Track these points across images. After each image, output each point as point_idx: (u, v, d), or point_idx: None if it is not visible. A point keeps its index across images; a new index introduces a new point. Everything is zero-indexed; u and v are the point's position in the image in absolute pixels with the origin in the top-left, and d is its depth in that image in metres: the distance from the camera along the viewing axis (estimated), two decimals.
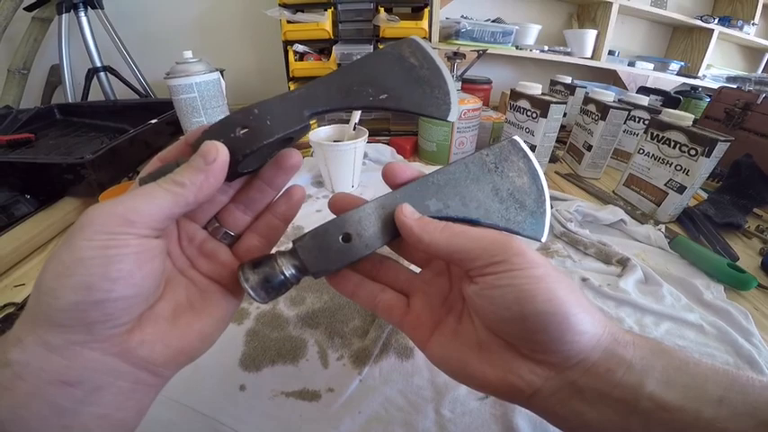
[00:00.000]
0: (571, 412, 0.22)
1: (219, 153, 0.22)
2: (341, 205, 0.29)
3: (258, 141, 0.24)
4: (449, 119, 0.26)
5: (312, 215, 0.67)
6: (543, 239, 0.28)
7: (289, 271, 0.25)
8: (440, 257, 0.26)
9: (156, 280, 0.21)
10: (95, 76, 1.21)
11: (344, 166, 0.71)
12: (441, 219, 0.26)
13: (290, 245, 0.26)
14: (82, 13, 1.12)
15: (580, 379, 0.21)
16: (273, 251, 0.27)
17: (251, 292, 0.24)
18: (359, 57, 0.26)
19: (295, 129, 0.25)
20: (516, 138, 0.29)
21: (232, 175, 0.24)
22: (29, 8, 1.15)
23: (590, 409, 0.21)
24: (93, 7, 1.14)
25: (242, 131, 0.24)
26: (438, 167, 0.27)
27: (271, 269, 0.25)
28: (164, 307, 0.23)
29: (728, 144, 0.58)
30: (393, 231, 0.26)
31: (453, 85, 0.26)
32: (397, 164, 0.28)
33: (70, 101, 1.20)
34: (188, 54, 0.64)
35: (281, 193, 0.30)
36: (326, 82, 0.26)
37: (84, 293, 0.18)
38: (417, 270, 0.31)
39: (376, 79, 0.26)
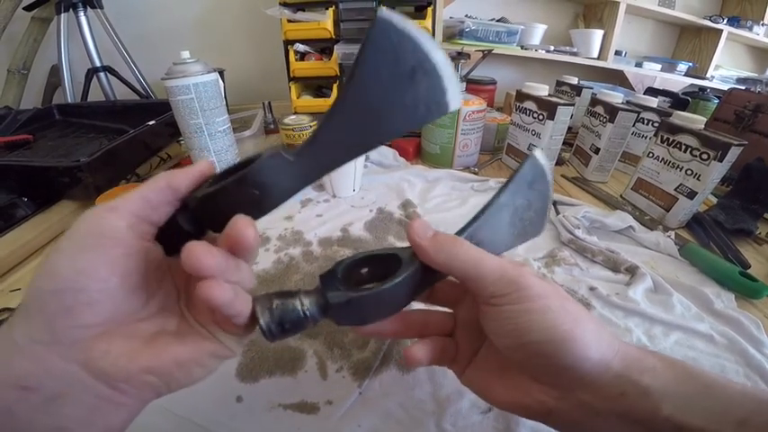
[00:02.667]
0: (590, 429, 0.23)
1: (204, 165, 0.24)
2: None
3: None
4: (451, 109, 0.23)
5: (312, 220, 0.66)
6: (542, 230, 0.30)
7: (310, 310, 0.24)
8: (452, 275, 0.26)
9: (127, 283, 0.21)
10: (95, 77, 1.20)
11: (345, 170, 0.70)
12: None
13: (318, 282, 0.26)
14: (81, 13, 1.11)
15: (592, 400, 0.22)
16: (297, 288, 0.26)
17: (263, 327, 0.23)
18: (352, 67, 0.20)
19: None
20: (536, 153, 0.29)
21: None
22: (28, 8, 1.15)
23: (608, 428, 0.22)
24: (93, 7, 1.13)
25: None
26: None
27: (288, 306, 0.23)
28: (145, 328, 0.22)
29: (742, 148, 0.56)
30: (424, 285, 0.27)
31: (450, 70, 0.22)
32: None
33: (70, 101, 1.19)
34: (185, 54, 0.63)
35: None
36: (315, 151, 0.23)
37: (48, 281, 0.19)
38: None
39: (380, 112, 0.22)
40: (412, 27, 0.21)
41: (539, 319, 0.22)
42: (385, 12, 0.20)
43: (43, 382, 0.18)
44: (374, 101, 0.22)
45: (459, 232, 0.27)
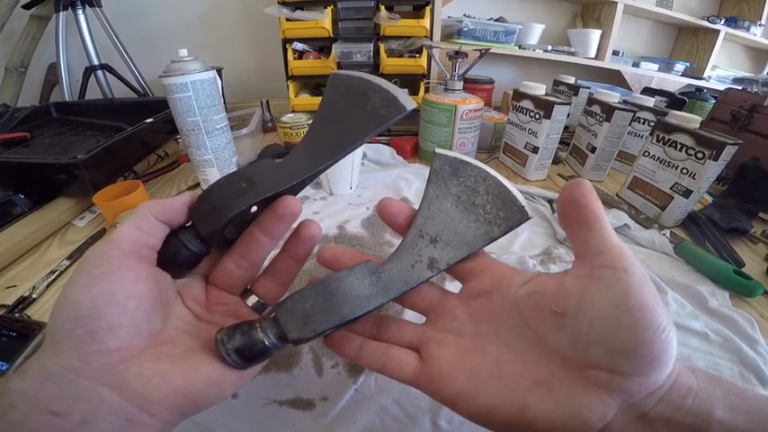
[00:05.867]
0: None
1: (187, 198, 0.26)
2: (330, 261, 0.29)
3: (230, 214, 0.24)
4: (408, 109, 0.25)
5: (309, 217, 0.65)
6: (530, 215, 0.27)
7: (269, 339, 0.23)
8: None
9: (143, 305, 0.21)
10: (93, 75, 1.20)
11: (343, 168, 0.70)
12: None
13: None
14: (80, 11, 1.11)
15: (653, 409, 0.20)
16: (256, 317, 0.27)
17: (226, 359, 0.22)
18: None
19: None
20: (438, 150, 0.29)
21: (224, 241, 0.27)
22: (27, 6, 1.14)
23: None
24: (92, 5, 1.13)
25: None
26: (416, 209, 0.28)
27: (249, 337, 0.23)
28: (171, 349, 0.22)
29: (737, 147, 0.57)
30: (386, 296, 0.26)
31: (392, 87, 0.26)
32: (388, 200, 0.28)
33: (67, 99, 1.19)
34: (183, 52, 0.63)
35: (291, 231, 0.29)
36: (300, 155, 0.27)
37: (68, 311, 0.20)
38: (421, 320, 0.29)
39: (348, 120, 0.27)
40: (356, 73, 0.27)
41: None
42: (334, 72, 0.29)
43: (73, 405, 0.18)
44: (339, 114, 0.27)
45: (408, 231, 0.27)
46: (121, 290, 0.21)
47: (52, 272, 0.52)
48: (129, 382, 0.20)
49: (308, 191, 0.75)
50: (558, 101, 0.73)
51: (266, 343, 0.23)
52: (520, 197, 0.27)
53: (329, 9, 0.95)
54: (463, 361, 0.25)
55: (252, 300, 0.29)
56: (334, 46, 0.96)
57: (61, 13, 1.10)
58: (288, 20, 0.95)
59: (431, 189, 0.28)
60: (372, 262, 0.26)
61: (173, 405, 0.21)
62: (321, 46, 1.04)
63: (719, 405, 0.20)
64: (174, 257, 0.25)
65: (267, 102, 1.15)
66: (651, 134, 0.67)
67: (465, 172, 0.28)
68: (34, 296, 0.48)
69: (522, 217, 0.26)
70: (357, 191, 0.75)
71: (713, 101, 1.11)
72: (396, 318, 0.30)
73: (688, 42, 1.57)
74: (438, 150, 0.29)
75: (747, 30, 1.45)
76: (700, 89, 1.29)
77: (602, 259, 0.22)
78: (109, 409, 0.19)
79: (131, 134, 0.72)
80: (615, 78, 1.44)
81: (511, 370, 0.23)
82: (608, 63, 1.38)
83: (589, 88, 1.04)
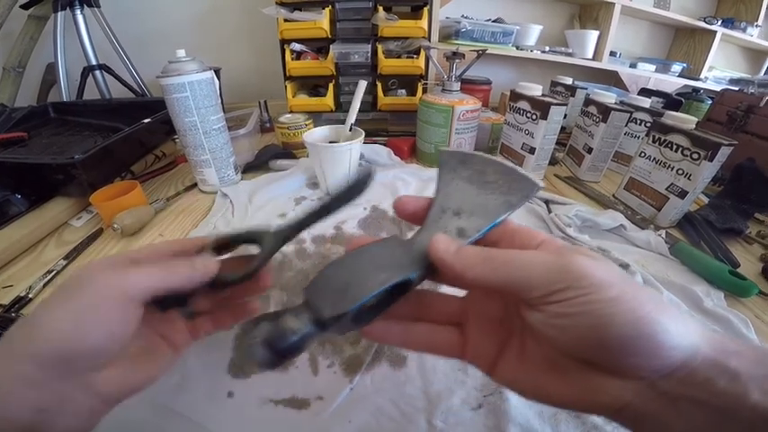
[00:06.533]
0: (661, 423, 0.20)
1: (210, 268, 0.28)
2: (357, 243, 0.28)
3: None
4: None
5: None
6: (542, 185, 0.27)
7: (302, 325, 0.21)
8: (489, 289, 0.24)
9: (127, 338, 0.25)
10: (91, 75, 1.20)
11: (340, 168, 0.70)
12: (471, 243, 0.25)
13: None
14: (78, 11, 1.11)
15: (674, 388, 0.20)
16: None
17: (250, 353, 0.21)
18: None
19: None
20: (443, 149, 0.30)
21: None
22: (25, 6, 1.14)
23: (678, 419, 0.20)
24: (90, 5, 1.13)
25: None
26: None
27: (277, 325, 0.21)
28: (127, 352, 0.27)
29: (732, 148, 0.57)
30: (421, 266, 0.24)
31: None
32: (407, 196, 0.29)
33: (65, 99, 1.19)
34: (181, 52, 0.63)
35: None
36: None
37: (64, 343, 0.22)
38: (461, 293, 0.29)
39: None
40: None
41: (617, 312, 0.19)
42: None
43: (52, 405, 0.22)
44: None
45: (430, 209, 0.27)
46: (117, 333, 0.24)
47: (49, 272, 0.52)
48: (100, 386, 0.24)
49: (305, 191, 0.75)
50: (555, 102, 0.73)
51: (298, 330, 0.21)
52: (527, 172, 0.27)
53: (327, 10, 0.95)
54: (493, 343, 0.26)
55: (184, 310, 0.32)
56: (332, 46, 0.96)
57: (59, 12, 1.10)
58: (286, 20, 0.95)
59: (443, 175, 0.29)
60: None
61: (126, 398, 0.26)
62: (319, 46, 1.04)
63: (757, 388, 0.18)
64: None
65: (265, 102, 1.15)
66: (647, 135, 0.67)
67: (471, 160, 0.29)
68: (31, 296, 0.48)
69: (535, 186, 0.26)
70: None
71: (710, 102, 1.11)
72: (436, 293, 0.30)
73: (685, 43, 1.57)
74: (443, 149, 0.30)
75: (744, 31, 1.45)
76: (696, 90, 1.29)
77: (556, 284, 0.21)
78: (81, 405, 0.24)
79: (129, 134, 0.72)
80: (612, 79, 1.44)
81: (530, 351, 0.24)
82: (605, 64, 1.39)
83: (586, 89, 1.04)
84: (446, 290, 0.30)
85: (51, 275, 0.52)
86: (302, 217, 0.28)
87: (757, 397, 0.18)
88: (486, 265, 0.22)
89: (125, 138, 0.71)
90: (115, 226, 0.58)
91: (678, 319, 0.20)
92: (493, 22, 1.29)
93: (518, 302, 0.23)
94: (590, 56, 1.39)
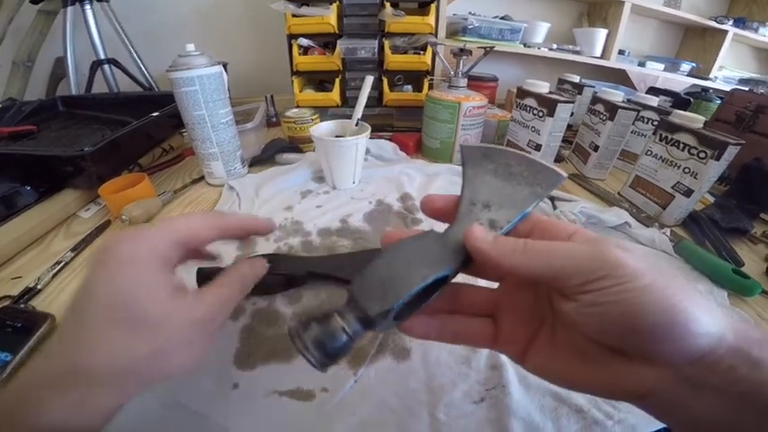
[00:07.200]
0: (681, 408, 0.21)
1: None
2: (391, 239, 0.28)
3: None
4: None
5: (312, 210, 0.66)
6: (565, 174, 0.27)
7: (350, 325, 0.22)
8: (525, 279, 0.25)
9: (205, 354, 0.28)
10: (99, 69, 1.20)
11: (346, 162, 0.70)
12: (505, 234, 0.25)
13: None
14: (87, 6, 1.12)
15: (698, 375, 0.20)
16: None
17: (305, 354, 0.22)
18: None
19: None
20: (464, 144, 0.31)
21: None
22: (35, 1, 1.15)
23: (699, 404, 0.20)
24: (99, 0, 1.14)
25: None
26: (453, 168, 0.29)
27: (327, 326, 0.22)
28: None
29: (739, 147, 0.56)
30: (457, 259, 0.24)
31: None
32: (433, 194, 0.29)
33: (74, 93, 1.20)
34: (190, 47, 0.64)
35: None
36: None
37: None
38: (493, 285, 0.30)
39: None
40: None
41: (650, 301, 0.19)
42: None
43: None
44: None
45: (459, 203, 0.27)
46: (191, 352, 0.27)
47: (57, 263, 0.53)
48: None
49: (311, 184, 0.75)
50: (562, 99, 0.73)
51: (347, 330, 0.22)
52: (549, 163, 0.27)
53: (335, 5, 0.95)
54: (524, 332, 0.27)
55: None
56: (339, 42, 0.96)
57: (69, 7, 1.11)
58: (294, 15, 0.95)
59: (468, 170, 0.29)
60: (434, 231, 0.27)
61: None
62: (326, 42, 1.04)
63: None
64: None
65: (272, 96, 1.15)
66: (654, 133, 0.67)
67: (494, 154, 0.29)
68: (39, 287, 0.49)
69: (560, 176, 0.27)
70: (360, 185, 0.75)
71: (719, 101, 1.10)
72: (468, 285, 0.30)
73: (695, 42, 1.56)
74: (463, 144, 0.30)
75: (756, 31, 1.43)
76: (705, 89, 1.28)
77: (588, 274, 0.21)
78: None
79: (137, 127, 0.73)
80: (620, 78, 1.43)
81: (561, 339, 0.25)
82: (613, 62, 1.38)
83: (593, 87, 1.03)
84: (476, 281, 0.30)
85: (60, 267, 0.52)
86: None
87: None
88: (525, 254, 0.22)
89: (133, 131, 0.72)
90: (123, 217, 0.58)
91: (706, 307, 0.20)
92: (500, 19, 1.28)
93: (550, 292, 0.24)
94: (598, 54, 1.38)
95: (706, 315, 0.20)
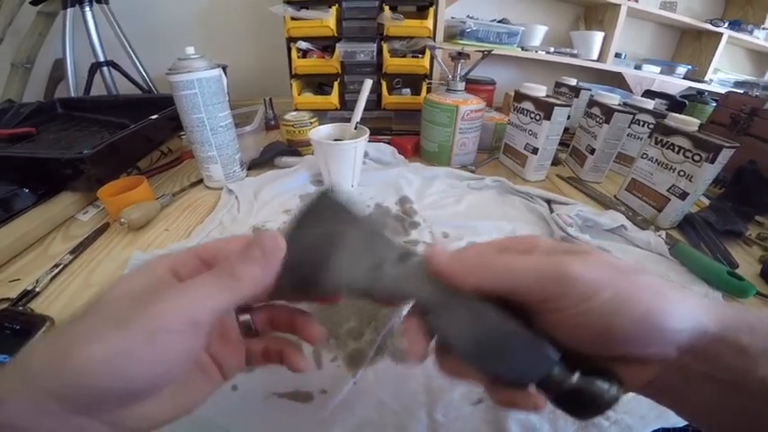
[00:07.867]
0: (679, 394, 0.22)
1: (279, 245, 0.23)
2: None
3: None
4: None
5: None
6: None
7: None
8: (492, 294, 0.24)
9: (184, 372, 0.22)
10: (98, 71, 1.21)
11: (344, 166, 0.70)
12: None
13: None
14: (87, 8, 1.12)
15: (688, 365, 0.21)
16: None
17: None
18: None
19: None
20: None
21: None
22: (34, 2, 1.15)
23: (693, 392, 0.21)
24: (99, 2, 1.14)
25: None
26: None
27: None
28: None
29: (733, 150, 0.57)
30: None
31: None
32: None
33: (72, 95, 1.20)
34: (190, 50, 0.64)
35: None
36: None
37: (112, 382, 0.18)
38: None
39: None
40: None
41: (617, 313, 0.20)
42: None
43: None
44: None
45: None
46: (173, 370, 0.21)
47: (56, 265, 0.53)
48: (125, 421, 0.19)
49: (309, 188, 0.76)
50: (558, 102, 0.73)
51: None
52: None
53: (334, 8, 0.96)
54: None
55: (243, 317, 0.29)
56: (337, 45, 0.96)
57: (69, 9, 1.11)
58: (293, 18, 0.96)
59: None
60: None
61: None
62: (325, 45, 1.05)
63: (767, 363, 0.19)
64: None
65: (270, 100, 1.16)
66: (650, 136, 0.68)
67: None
68: (38, 290, 0.49)
69: None
70: (358, 189, 0.76)
71: (714, 104, 1.11)
72: None
73: (690, 45, 1.57)
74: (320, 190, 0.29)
75: (751, 33, 1.45)
76: (701, 92, 1.29)
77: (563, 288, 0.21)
78: None
79: (136, 130, 0.73)
80: (617, 81, 1.44)
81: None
82: (610, 65, 1.39)
83: (590, 90, 1.04)
84: None
85: (58, 269, 0.52)
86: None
87: (765, 371, 0.19)
88: (486, 270, 0.22)
89: (132, 134, 0.72)
90: (122, 220, 0.59)
91: (681, 300, 0.21)
92: (498, 22, 1.29)
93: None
94: (595, 57, 1.39)
95: (681, 308, 0.20)
